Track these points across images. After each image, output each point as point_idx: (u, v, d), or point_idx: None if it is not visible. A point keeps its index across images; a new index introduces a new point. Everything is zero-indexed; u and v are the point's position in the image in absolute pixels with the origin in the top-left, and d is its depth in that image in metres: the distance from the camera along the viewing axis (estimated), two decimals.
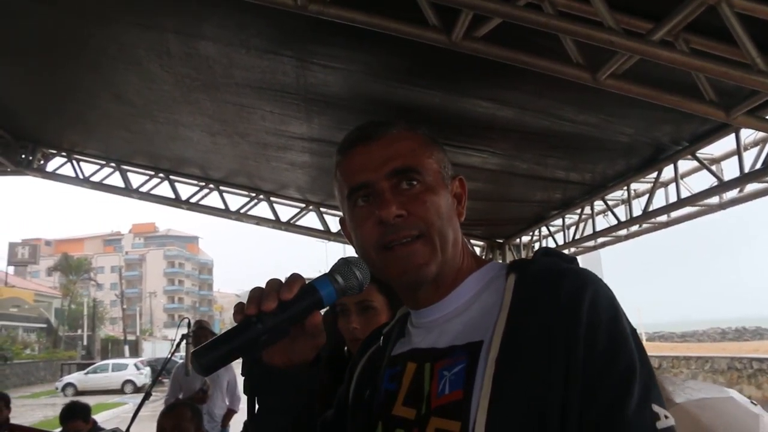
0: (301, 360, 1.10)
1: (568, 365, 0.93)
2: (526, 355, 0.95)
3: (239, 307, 1.02)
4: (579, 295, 0.97)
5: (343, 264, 1.09)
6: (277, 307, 1.00)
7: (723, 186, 5.33)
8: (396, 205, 1.06)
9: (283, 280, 1.04)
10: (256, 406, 1.11)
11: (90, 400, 6.76)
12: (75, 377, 31.06)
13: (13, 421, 5.49)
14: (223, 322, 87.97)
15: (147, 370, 32.00)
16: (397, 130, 1.13)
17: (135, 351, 49.55)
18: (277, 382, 1.11)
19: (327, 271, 1.08)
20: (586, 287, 0.98)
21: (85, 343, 48.50)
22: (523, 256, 8.75)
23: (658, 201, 6.11)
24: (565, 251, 7.93)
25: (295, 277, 1.04)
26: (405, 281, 1.10)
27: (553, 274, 1.03)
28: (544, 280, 1.02)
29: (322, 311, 1.09)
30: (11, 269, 44.50)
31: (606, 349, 0.94)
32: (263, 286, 1.04)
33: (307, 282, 1.06)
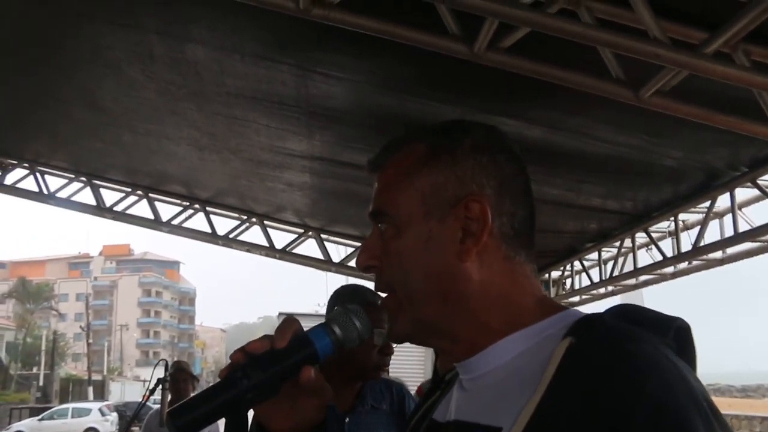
0: (308, 424, 1.07)
1: None
2: None
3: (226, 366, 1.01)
4: (628, 407, 0.78)
5: (342, 313, 1.08)
6: (267, 359, 0.99)
7: None
8: (367, 254, 1.05)
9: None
10: None
11: None
12: (26, 424, 30.98)
13: None
14: (206, 360, 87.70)
15: (114, 416, 31.81)
16: (395, 155, 1.07)
17: (101, 393, 49.41)
18: None
19: (323, 321, 1.08)
20: (642, 395, 0.78)
21: (41, 383, 48.33)
22: (552, 294, 8.68)
23: (712, 234, 6.06)
24: (602, 290, 7.90)
25: (288, 323, 1.03)
26: None
27: (611, 355, 0.83)
28: (598, 359, 0.83)
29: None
30: None
31: None
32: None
33: (302, 330, 1.05)
